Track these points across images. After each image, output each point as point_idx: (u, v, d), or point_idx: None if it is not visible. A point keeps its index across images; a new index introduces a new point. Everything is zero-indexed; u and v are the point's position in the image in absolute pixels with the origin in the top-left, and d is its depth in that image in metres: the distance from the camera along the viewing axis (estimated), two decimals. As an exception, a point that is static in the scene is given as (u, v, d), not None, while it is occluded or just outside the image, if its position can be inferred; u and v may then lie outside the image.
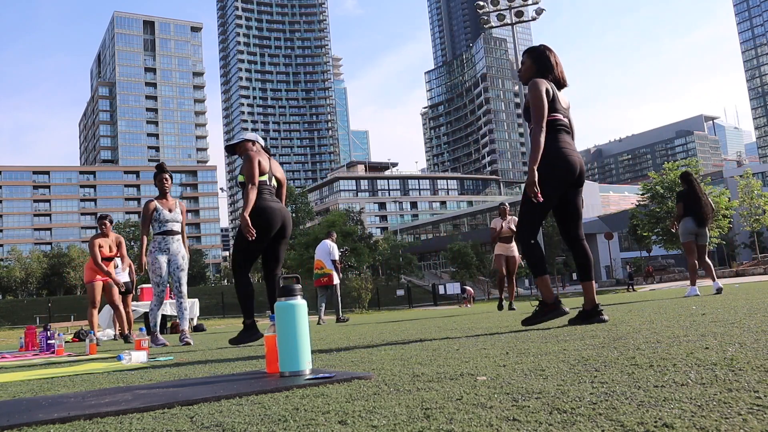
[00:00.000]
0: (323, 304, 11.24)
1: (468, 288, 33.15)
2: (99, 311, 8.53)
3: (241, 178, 4.84)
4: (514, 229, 9.13)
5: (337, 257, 11.24)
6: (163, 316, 11.96)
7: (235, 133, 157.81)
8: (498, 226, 9.54)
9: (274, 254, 4.96)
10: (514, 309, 8.84)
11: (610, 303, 7.97)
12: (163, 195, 6.31)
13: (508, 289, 9.65)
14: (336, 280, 11.18)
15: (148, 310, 11.91)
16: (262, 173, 4.82)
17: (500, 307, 9.33)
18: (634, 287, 28.47)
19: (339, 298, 11.35)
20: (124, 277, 8.78)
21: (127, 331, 7.91)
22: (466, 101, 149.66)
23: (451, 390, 1.51)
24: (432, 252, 73.76)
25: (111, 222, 8.04)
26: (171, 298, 12.44)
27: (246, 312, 4.88)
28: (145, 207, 6.27)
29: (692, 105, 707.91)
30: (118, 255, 7.98)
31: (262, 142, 5.17)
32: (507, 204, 9.95)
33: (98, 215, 8.18)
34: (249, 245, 4.77)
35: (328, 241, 11.46)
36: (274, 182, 4.98)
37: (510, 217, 9.59)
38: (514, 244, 9.34)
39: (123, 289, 8.18)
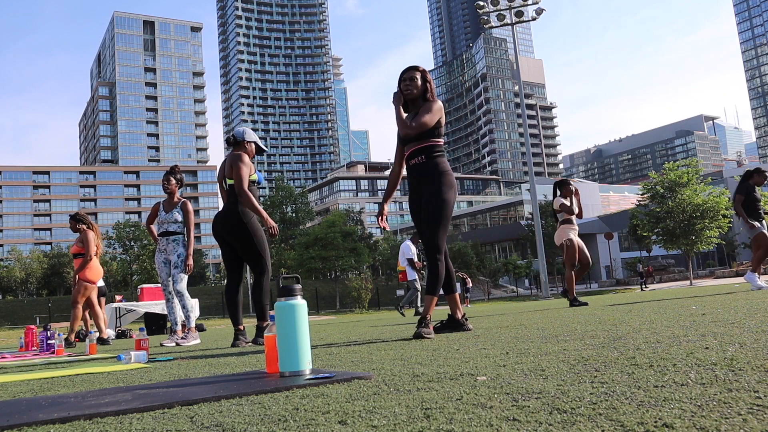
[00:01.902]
0: (408, 297, 12.39)
1: (465, 277, 31.28)
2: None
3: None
4: (576, 210, 8.48)
5: (412, 256, 12.30)
6: (163, 316, 11.97)
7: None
8: (563, 204, 8.43)
9: (242, 255, 4.94)
10: (584, 304, 7.81)
11: (611, 303, 7.96)
12: (168, 196, 6.41)
13: (571, 280, 8.33)
14: (411, 277, 12.30)
15: (147, 311, 11.98)
16: (220, 186, 5.07)
17: (575, 303, 7.95)
18: (646, 286, 28.43)
19: (417, 294, 12.27)
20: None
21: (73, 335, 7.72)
22: (466, 101, 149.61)
23: (451, 390, 1.51)
24: (432, 252, 73.57)
25: (76, 219, 7.95)
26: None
27: (231, 320, 5.07)
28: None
29: (692, 105, 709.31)
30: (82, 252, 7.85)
31: (238, 132, 5.04)
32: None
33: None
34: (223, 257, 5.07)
35: (408, 242, 12.56)
36: (228, 181, 4.92)
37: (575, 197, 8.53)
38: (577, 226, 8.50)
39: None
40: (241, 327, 4.93)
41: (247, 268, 11.67)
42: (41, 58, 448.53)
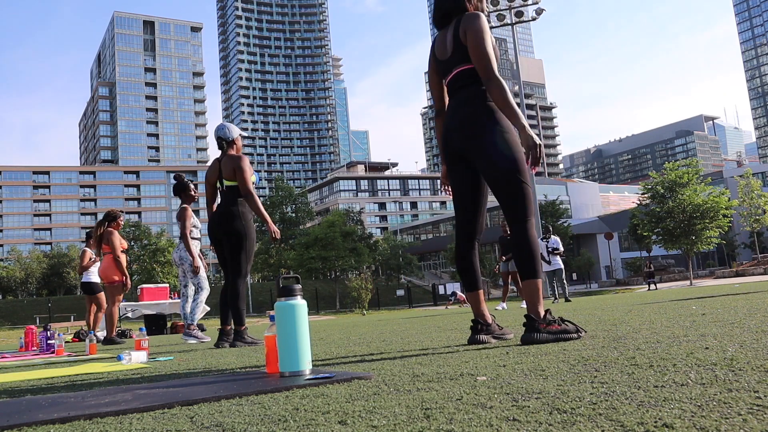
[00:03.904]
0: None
1: (459, 293, 30.74)
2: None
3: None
4: None
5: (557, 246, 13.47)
6: (163, 316, 11.99)
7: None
8: None
9: (227, 255, 4.94)
10: None
11: (612, 304, 7.97)
12: None
13: None
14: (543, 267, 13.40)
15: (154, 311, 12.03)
16: (211, 185, 5.08)
17: None
18: (656, 285, 28.29)
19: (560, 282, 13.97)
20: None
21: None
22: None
23: (451, 390, 1.51)
24: (432, 252, 73.73)
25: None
26: (172, 297, 12.48)
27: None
28: None
29: (692, 105, 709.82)
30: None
31: (226, 134, 5.02)
32: None
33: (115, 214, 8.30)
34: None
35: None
36: (225, 183, 4.91)
37: None
38: None
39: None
40: (228, 328, 4.92)
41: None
42: (44, 58, 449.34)
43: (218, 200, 5.09)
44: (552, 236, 13.44)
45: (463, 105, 2.95)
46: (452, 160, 3.06)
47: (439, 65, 3.10)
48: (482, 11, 3.04)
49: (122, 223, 8.19)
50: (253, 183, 4.93)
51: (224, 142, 4.97)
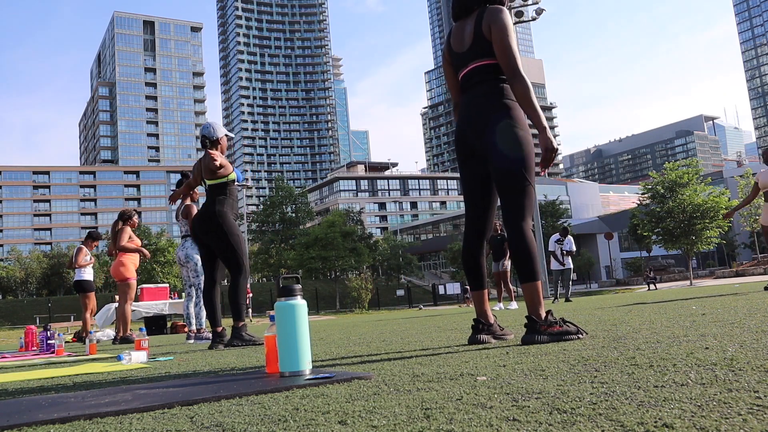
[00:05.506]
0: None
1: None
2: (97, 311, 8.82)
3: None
4: None
5: (553, 249, 13.60)
6: (163, 316, 11.98)
7: (235, 133, 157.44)
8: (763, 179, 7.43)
9: (219, 255, 4.88)
10: None
11: (612, 304, 7.96)
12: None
13: None
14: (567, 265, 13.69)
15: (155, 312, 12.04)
16: (198, 185, 5.11)
17: None
18: (656, 285, 28.32)
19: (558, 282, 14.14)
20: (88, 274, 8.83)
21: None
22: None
23: (451, 390, 1.51)
24: (432, 252, 73.72)
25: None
26: (172, 297, 12.46)
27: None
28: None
29: (692, 105, 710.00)
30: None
31: (210, 133, 4.90)
32: None
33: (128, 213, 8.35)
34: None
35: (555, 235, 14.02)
36: (207, 182, 4.86)
37: None
38: None
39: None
40: (220, 329, 4.86)
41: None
42: (44, 58, 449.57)
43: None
44: (567, 236, 13.57)
45: (480, 100, 2.91)
46: (465, 156, 3.04)
47: (455, 58, 3.06)
48: (503, 3, 3.00)
49: (136, 222, 8.35)
50: (233, 181, 4.85)
51: (207, 140, 4.86)
